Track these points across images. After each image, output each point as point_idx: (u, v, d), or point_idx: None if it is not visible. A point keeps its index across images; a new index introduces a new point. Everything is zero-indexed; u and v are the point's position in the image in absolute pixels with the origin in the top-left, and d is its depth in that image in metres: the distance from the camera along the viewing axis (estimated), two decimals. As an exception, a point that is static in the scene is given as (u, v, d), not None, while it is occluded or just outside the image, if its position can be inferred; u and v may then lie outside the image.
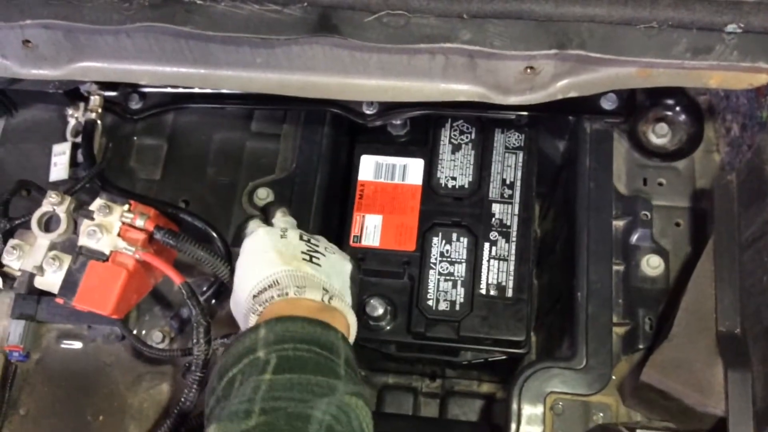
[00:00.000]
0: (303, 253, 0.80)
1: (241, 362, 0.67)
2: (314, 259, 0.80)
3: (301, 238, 0.83)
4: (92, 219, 0.88)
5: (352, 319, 0.79)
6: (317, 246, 0.83)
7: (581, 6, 0.75)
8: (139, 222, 0.88)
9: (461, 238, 1.01)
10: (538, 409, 0.89)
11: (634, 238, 0.98)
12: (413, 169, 1.06)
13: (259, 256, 0.81)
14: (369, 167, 1.06)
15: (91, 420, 0.95)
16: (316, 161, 1.04)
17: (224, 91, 1.04)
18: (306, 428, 0.58)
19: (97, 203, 0.89)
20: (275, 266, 0.78)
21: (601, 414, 0.89)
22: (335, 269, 0.82)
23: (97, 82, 1.04)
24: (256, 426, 0.58)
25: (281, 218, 0.93)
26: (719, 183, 0.90)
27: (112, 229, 0.88)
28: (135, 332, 0.97)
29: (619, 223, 0.99)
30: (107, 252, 0.87)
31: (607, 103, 1.03)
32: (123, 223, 0.88)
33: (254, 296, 0.77)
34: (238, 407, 0.61)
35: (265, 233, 0.83)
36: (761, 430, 0.75)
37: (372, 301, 0.99)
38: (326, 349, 0.68)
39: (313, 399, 0.61)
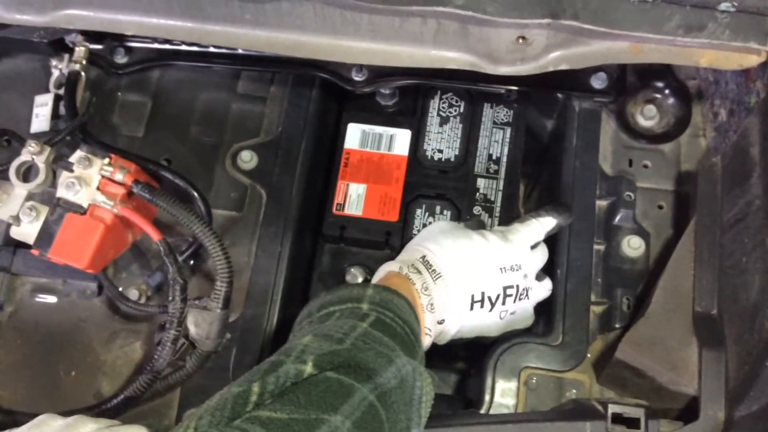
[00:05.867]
0: (478, 294, 0.85)
1: (344, 304, 0.75)
2: (478, 306, 0.85)
3: (507, 269, 0.87)
4: (71, 171, 0.87)
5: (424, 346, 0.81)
6: (508, 298, 0.87)
7: (576, -24, 0.74)
8: (119, 176, 0.87)
9: (444, 211, 1.01)
10: (512, 384, 0.88)
11: (616, 218, 0.98)
12: (400, 140, 1.05)
13: (461, 250, 0.86)
14: (355, 135, 1.05)
15: (63, 375, 0.94)
16: (302, 126, 1.03)
17: (212, 49, 1.03)
18: (386, 367, 0.66)
19: (77, 155, 0.88)
20: (449, 263, 0.84)
21: (574, 390, 0.89)
22: (485, 320, 0.86)
23: (83, 33, 1.02)
24: (346, 349, 0.66)
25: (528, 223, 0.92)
26: (704, 164, 0.89)
27: (91, 182, 0.87)
28: (111, 288, 0.95)
29: (602, 203, 0.99)
30: (85, 205, 0.86)
31: (597, 82, 1.02)
32: (102, 177, 0.87)
33: (417, 249, 0.86)
34: (333, 333, 0.68)
35: (487, 243, 0.87)
36: (732, 411, 0.75)
37: (352, 269, 0.98)
38: (414, 336, 0.75)
39: (397, 352, 0.69)
